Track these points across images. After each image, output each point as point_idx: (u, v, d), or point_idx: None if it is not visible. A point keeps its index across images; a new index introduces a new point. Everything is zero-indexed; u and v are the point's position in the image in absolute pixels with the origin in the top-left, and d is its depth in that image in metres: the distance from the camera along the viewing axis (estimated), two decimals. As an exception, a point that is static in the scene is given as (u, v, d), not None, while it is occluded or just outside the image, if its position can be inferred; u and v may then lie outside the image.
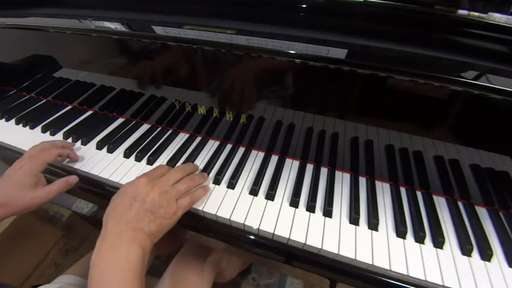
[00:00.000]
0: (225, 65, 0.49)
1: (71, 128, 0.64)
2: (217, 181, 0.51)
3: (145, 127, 0.64)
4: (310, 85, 0.47)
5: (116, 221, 0.38)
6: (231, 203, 0.47)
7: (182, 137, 0.61)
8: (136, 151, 0.56)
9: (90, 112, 0.69)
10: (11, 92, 0.77)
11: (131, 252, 0.35)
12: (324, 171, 0.53)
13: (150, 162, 0.55)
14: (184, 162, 0.54)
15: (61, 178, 0.48)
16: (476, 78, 0.37)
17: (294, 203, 0.47)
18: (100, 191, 0.53)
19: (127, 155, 0.56)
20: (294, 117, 0.52)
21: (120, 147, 0.59)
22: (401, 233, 0.43)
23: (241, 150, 0.58)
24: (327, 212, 0.46)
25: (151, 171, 0.46)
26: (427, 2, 0.43)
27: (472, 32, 0.43)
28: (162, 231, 0.39)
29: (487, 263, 0.40)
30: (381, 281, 0.40)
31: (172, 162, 0.54)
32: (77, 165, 0.54)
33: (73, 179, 0.49)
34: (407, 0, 0.44)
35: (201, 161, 0.55)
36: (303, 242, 0.42)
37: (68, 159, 0.54)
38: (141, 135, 0.61)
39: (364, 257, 0.40)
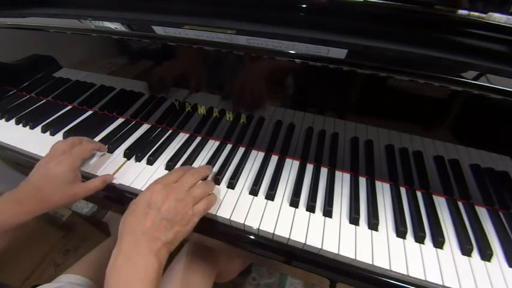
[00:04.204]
0: (225, 65, 0.49)
1: (71, 128, 0.64)
2: (217, 181, 0.51)
3: (145, 127, 0.64)
4: (310, 85, 0.47)
5: (131, 231, 0.37)
6: (231, 203, 0.47)
7: (182, 137, 0.61)
8: (137, 151, 0.56)
9: (90, 112, 0.69)
10: (11, 92, 0.77)
11: (148, 263, 0.35)
12: (324, 171, 0.53)
13: (150, 162, 0.55)
14: (184, 163, 0.54)
15: (98, 176, 0.49)
16: (476, 78, 0.37)
17: (294, 203, 0.47)
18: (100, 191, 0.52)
19: (127, 155, 0.56)
20: (294, 117, 0.52)
21: (120, 147, 0.59)
22: (401, 233, 0.43)
23: (241, 150, 0.58)
24: (327, 212, 0.46)
25: (166, 177, 0.43)
26: (427, 2, 0.43)
27: (472, 32, 0.43)
28: (179, 239, 0.39)
29: (487, 263, 0.40)
30: (380, 281, 0.40)
31: (172, 162, 0.54)
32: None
33: (109, 178, 0.49)
34: (407, 0, 0.44)
35: (201, 161, 0.55)
36: (303, 242, 0.42)
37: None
38: (141, 135, 0.61)
39: (364, 257, 0.40)
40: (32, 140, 0.61)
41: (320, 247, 0.41)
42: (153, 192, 0.40)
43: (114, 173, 0.52)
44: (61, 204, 0.44)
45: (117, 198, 0.52)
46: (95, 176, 0.52)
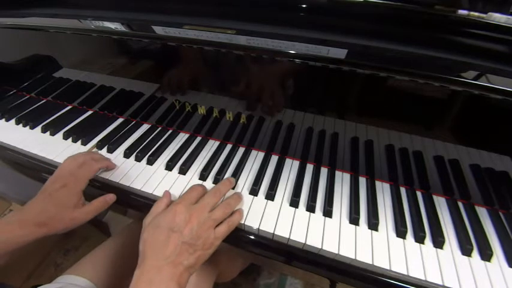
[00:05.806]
0: (225, 65, 0.49)
1: (71, 128, 0.64)
2: (217, 181, 0.51)
3: (145, 127, 0.64)
4: (310, 85, 0.47)
5: (154, 254, 0.37)
6: (231, 203, 0.47)
7: (182, 137, 0.61)
8: (136, 151, 0.56)
9: (90, 112, 0.69)
10: (11, 92, 0.77)
11: None
12: (324, 171, 0.53)
13: (150, 162, 0.55)
14: (184, 163, 0.54)
15: (99, 198, 0.47)
16: (476, 78, 0.37)
17: (294, 203, 0.47)
18: (100, 192, 0.52)
19: (127, 155, 0.56)
20: (294, 117, 0.52)
21: (120, 147, 0.59)
22: (401, 233, 0.43)
23: (241, 150, 0.58)
24: (327, 212, 0.46)
25: (187, 195, 0.42)
26: (427, 2, 0.43)
27: (472, 32, 0.43)
28: (200, 262, 0.39)
29: (487, 263, 0.40)
30: (380, 281, 0.40)
31: (172, 162, 0.54)
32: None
33: (110, 198, 0.48)
34: (407, 0, 0.44)
35: (201, 161, 0.55)
36: (303, 242, 0.42)
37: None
38: (141, 135, 0.61)
39: (364, 257, 0.40)
40: (32, 140, 0.61)
41: (320, 247, 0.41)
42: (176, 213, 0.39)
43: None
44: (60, 228, 0.43)
45: (117, 198, 0.52)
46: (98, 178, 0.52)
